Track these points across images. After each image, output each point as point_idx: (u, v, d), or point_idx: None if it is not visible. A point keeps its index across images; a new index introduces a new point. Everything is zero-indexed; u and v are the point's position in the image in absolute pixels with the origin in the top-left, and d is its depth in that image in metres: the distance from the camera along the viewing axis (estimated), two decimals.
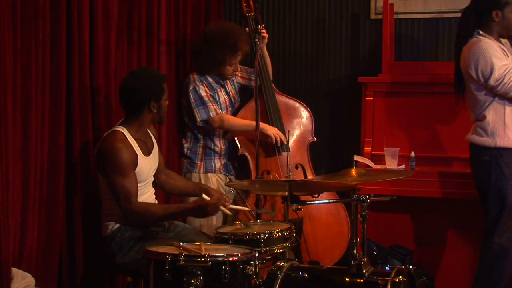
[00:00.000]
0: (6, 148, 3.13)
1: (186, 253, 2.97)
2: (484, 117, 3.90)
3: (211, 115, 4.43)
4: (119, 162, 3.48)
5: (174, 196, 4.32)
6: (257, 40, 4.16)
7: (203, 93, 4.43)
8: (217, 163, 4.55)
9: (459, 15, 4.11)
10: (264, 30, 4.56)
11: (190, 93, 4.44)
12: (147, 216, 3.53)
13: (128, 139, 3.58)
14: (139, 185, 3.59)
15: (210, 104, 4.44)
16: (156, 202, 3.83)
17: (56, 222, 3.57)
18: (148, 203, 3.66)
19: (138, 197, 3.58)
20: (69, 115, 3.68)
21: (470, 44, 3.90)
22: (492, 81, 3.81)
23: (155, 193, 3.85)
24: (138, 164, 3.59)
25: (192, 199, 3.90)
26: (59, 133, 3.59)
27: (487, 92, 3.88)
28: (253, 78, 4.56)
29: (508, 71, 3.80)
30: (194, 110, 4.44)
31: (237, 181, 4.54)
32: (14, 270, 3.20)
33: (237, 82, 4.73)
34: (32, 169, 3.39)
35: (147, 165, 3.68)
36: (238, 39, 4.40)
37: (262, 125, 4.46)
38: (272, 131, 4.48)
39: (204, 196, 3.56)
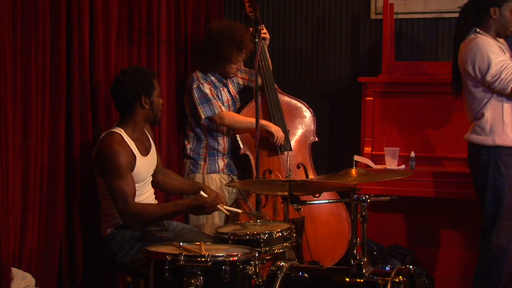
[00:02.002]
0: (6, 148, 3.13)
1: (186, 253, 2.97)
2: (482, 115, 3.89)
3: (216, 111, 4.44)
4: (116, 164, 3.48)
5: (174, 195, 4.32)
6: (257, 40, 4.16)
7: (207, 91, 4.44)
8: (221, 163, 4.56)
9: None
10: (265, 31, 4.58)
11: (194, 91, 4.44)
12: (145, 216, 3.53)
13: (126, 140, 3.59)
14: (138, 185, 3.59)
15: (215, 101, 4.44)
16: (156, 202, 3.83)
17: (56, 222, 3.57)
18: (145, 203, 3.65)
19: (137, 198, 3.58)
20: (69, 115, 3.68)
21: (467, 41, 3.91)
22: (489, 77, 3.81)
23: (154, 193, 3.86)
24: (136, 164, 3.59)
25: None
26: (59, 133, 3.59)
27: (485, 89, 3.87)
28: (253, 79, 4.56)
29: (505, 66, 3.80)
30: (199, 107, 4.44)
31: (237, 181, 4.55)
32: (14, 270, 3.20)
33: (237, 83, 4.74)
34: (32, 169, 3.39)
35: (145, 165, 3.68)
36: (244, 36, 4.42)
37: (266, 122, 4.48)
38: (275, 128, 4.49)
39: (202, 193, 3.55)
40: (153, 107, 3.68)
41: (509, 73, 3.78)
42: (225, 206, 3.65)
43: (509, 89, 3.79)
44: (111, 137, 3.57)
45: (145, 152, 3.70)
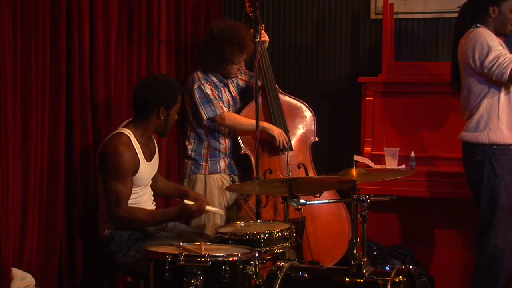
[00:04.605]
0: (6, 148, 3.13)
1: (186, 253, 2.97)
2: (478, 110, 3.89)
3: (218, 112, 4.43)
4: (119, 166, 3.48)
5: (174, 199, 4.32)
6: (257, 39, 4.15)
7: (208, 91, 4.43)
8: (222, 164, 4.55)
9: None
10: (265, 34, 4.57)
11: (195, 92, 4.44)
12: (133, 221, 3.55)
13: (133, 143, 3.58)
14: (138, 188, 3.61)
15: (217, 102, 4.44)
16: (154, 203, 3.84)
17: (56, 222, 3.57)
18: (137, 208, 3.63)
19: (137, 199, 3.61)
20: (69, 115, 3.68)
21: (467, 34, 3.93)
22: (487, 62, 3.80)
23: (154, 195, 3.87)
24: (139, 169, 3.59)
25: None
26: (59, 133, 3.59)
27: (482, 82, 3.86)
28: (252, 81, 4.56)
29: (502, 53, 3.81)
30: (200, 108, 4.43)
31: (237, 183, 4.54)
32: (14, 270, 3.20)
33: (237, 83, 4.73)
34: (32, 169, 3.39)
35: (148, 170, 3.68)
36: (245, 37, 4.42)
37: (268, 124, 4.47)
38: (277, 131, 4.48)
39: (186, 201, 3.58)
40: (168, 120, 3.68)
41: (507, 58, 3.79)
42: (207, 207, 3.68)
43: (507, 74, 3.77)
44: (118, 138, 3.56)
45: (149, 157, 3.70)
